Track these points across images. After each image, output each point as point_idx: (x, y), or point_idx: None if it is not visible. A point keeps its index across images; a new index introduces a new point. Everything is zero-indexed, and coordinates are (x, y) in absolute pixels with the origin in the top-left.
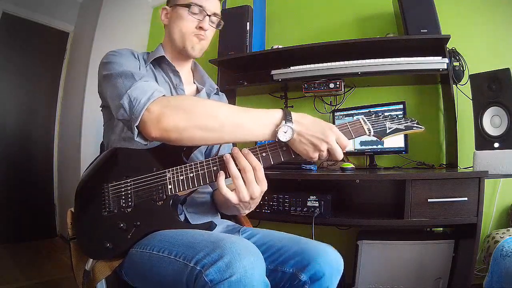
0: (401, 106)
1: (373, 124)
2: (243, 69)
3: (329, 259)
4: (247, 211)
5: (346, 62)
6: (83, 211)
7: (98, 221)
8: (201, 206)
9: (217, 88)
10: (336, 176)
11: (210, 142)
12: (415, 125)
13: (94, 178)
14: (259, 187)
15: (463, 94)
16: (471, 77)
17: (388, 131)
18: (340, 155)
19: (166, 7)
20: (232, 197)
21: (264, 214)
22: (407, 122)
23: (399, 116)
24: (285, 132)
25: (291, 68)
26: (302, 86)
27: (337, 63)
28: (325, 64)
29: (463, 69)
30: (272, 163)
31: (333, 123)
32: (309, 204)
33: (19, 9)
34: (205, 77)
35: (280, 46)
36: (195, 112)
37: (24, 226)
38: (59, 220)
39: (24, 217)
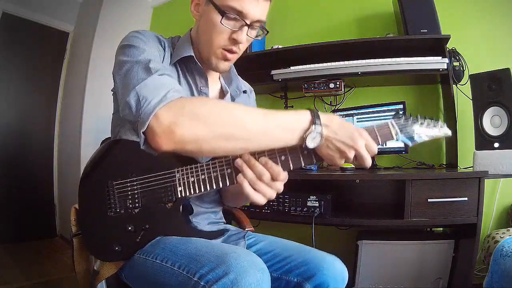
0: (401, 106)
1: (401, 129)
2: (243, 69)
3: (335, 271)
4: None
5: (346, 62)
6: (87, 208)
7: (104, 221)
8: (208, 204)
9: (244, 90)
10: (336, 176)
11: (233, 152)
12: (443, 129)
13: (97, 173)
14: (282, 182)
15: (463, 94)
16: (471, 77)
17: (416, 137)
18: (369, 163)
19: None
20: (261, 199)
21: (264, 214)
22: (436, 127)
23: (428, 119)
24: (313, 138)
25: (291, 68)
26: (302, 86)
27: (337, 63)
28: (325, 64)
29: (463, 69)
30: (291, 168)
31: None
32: (309, 204)
33: (19, 9)
34: (233, 74)
35: (280, 46)
36: (217, 120)
37: (24, 226)
38: (59, 220)
39: (24, 217)
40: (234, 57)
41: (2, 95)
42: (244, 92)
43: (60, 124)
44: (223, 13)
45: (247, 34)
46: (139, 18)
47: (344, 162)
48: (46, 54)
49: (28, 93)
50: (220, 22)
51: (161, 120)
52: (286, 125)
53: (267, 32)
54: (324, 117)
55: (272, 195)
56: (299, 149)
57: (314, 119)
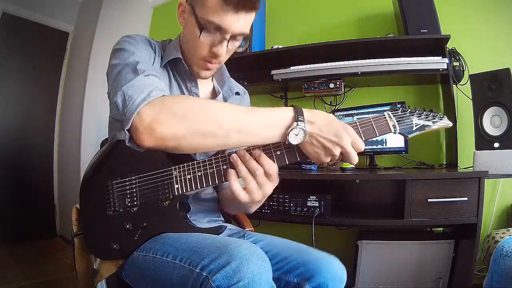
0: None
1: (399, 120)
2: (243, 69)
3: (334, 271)
4: (255, 209)
5: (346, 62)
6: (88, 208)
7: (103, 220)
8: (206, 202)
9: (237, 92)
10: (336, 176)
11: (213, 149)
12: (443, 121)
13: (98, 173)
14: (272, 186)
15: (463, 94)
16: (471, 77)
17: (414, 128)
18: (355, 160)
19: (183, 2)
20: (245, 197)
21: (264, 214)
22: (434, 118)
23: (426, 110)
24: (296, 135)
25: (291, 68)
26: (302, 86)
27: (337, 63)
28: (325, 64)
29: (463, 69)
30: (287, 162)
31: None
32: (309, 204)
33: (19, 9)
34: (225, 76)
35: (280, 46)
36: (195, 117)
37: (24, 226)
38: (59, 220)
39: (24, 217)
40: (215, 66)
41: (2, 95)
42: (237, 94)
43: (60, 124)
44: (202, 27)
45: (228, 46)
46: (139, 18)
47: (330, 159)
48: (46, 54)
49: (28, 93)
50: (199, 36)
51: (143, 118)
52: (267, 122)
53: (247, 44)
54: (309, 113)
55: (258, 196)
56: (283, 145)
57: (297, 116)
